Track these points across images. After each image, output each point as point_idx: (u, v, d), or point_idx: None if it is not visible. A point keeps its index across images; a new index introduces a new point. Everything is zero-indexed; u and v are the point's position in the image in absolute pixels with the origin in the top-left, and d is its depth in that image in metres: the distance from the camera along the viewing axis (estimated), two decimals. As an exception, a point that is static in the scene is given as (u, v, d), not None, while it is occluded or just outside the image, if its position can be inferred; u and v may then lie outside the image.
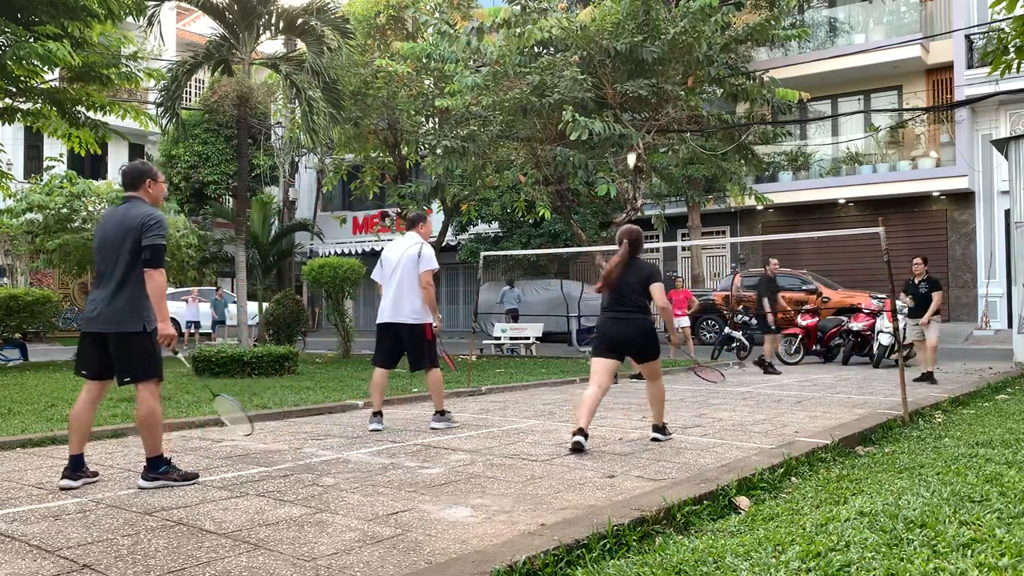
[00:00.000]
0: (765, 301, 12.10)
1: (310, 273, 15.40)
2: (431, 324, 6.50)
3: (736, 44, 14.13)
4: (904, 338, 11.13)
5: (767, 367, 12.08)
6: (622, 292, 5.66)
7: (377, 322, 6.60)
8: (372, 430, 6.38)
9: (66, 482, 4.29)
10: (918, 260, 10.68)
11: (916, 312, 10.54)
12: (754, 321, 15.94)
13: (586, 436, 5.39)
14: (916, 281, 10.58)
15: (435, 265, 6.54)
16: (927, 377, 10.12)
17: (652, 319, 5.81)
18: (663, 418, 5.91)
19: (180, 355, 5.02)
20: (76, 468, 4.35)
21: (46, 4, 11.55)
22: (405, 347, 6.51)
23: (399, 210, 18.23)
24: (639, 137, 12.97)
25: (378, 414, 6.51)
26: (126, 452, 5.46)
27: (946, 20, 20.33)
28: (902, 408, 6.80)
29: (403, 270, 6.46)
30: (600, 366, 5.74)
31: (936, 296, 10.36)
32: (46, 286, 23.33)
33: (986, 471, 4.26)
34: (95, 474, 4.51)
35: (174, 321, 22.02)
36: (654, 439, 5.80)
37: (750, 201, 16.86)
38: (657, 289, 5.63)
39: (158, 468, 4.35)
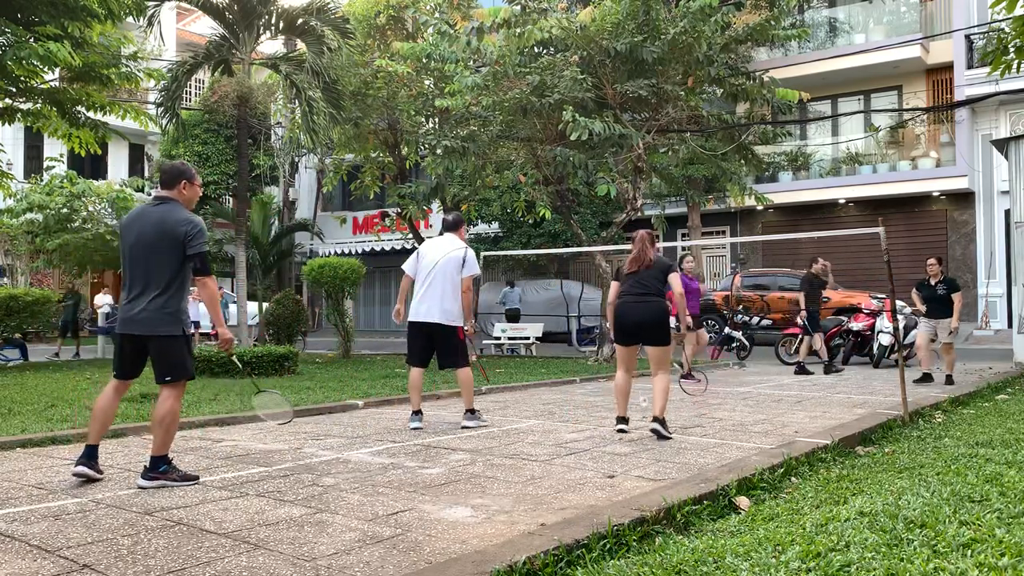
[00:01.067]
0: (804, 298, 11.87)
1: (310, 273, 15.40)
2: (463, 327, 6.58)
3: (736, 44, 14.12)
4: (904, 338, 11.10)
5: (801, 369, 11.81)
6: (642, 277, 6.05)
7: (409, 320, 6.59)
8: (413, 429, 6.40)
9: (81, 468, 4.39)
10: (933, 260, 10.42)
11: (933, 313, 10.27)
12: (756, 320, 15.95)
13: (627, 421, 6.07)
14: (933, 282, 10.31)
15: (478, 271, 6.66)
16: (948, 380, 9.91)
17: (667, 305, 6.10)
18: (665, 412, 5.99)
19: (234, 357, 5.18)
20: (91, 457, 4.44)
21: (46, 4, 11.55)
22: (436, 346, 6.55)
23: (399, 210, 18.22)
24: (639, 137, 12.96)
25: (418, 413, 6.53)
26: (126, 452, 5.46)
27: (946, 20, 20.33)
28: (902, 408, 6.80)
29: (442, 271, 6.47)
30: (623, 353, 6.14)
31: (957, 297, 10.14)
32: (46, 286, 23.33)
33: (986, 471, 4.26)
34: (101, 472, 4.55)
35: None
36: (653, 431, 5.86)
37: (750, 201, 16.86)
38: (675, 278, 6.10)
39: (158, 467, 4.37)
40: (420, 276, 6.58)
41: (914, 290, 10.69)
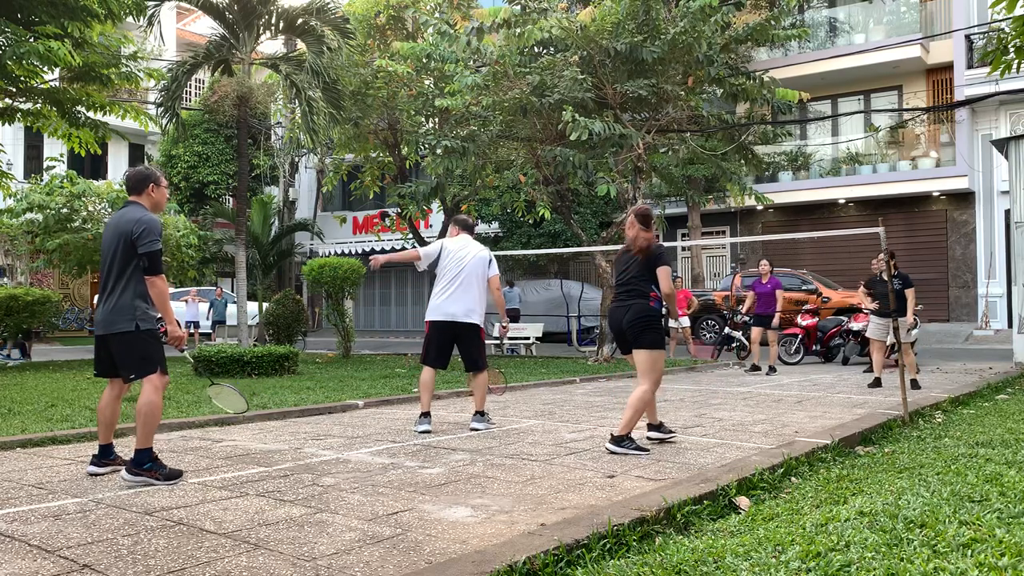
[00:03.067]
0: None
1: (310, 273, 15.40)
2: (501, 324, 6.71)
3: (736, 44, 14.13)
4: (903, 338, 10.99)
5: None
6: (627, 273, 5.50)
7: (432, 319, 6.42)
8: (421, 432, 6.20)
9: (92, 468, 4.65)
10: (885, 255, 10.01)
11: (888, 311, 9.65)
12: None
13: (659, 428, 5.74)
14: (886, 277, 9.48)
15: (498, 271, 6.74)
16: (914, 384, 9.34)
17: (655, 306, 5.45)
18: (631, 428, 5.22)
19: (186, 353, 5.22)
20: (103, 456, 4.69)
21: (46, 4, 11.55)
22: (461, 347, 6.48)
23: (399, 210, 18.22)
24: (639, 137, 12.96)
25: (426, 415, 6.33)
26: (127, 452, 5.45)
27: (946, 20, 20.34)
28: (902, 408, 6.80)
29: (472, 271, 6.41)
30: (630, 359, 5.60)
31: (910, 293, 9.59)
32: (46, 286, 23.32)
33: (986, 471, 4.25)
34: (125, 462, 4.72)
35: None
36: (608, 449, 5.22)
37: (750, 201, 16.86)
38: (663, 273, 5.38)
39: (143, 464, 4.40)
40: (448, 273, 6.42)
41: (862, 287, 10.21)
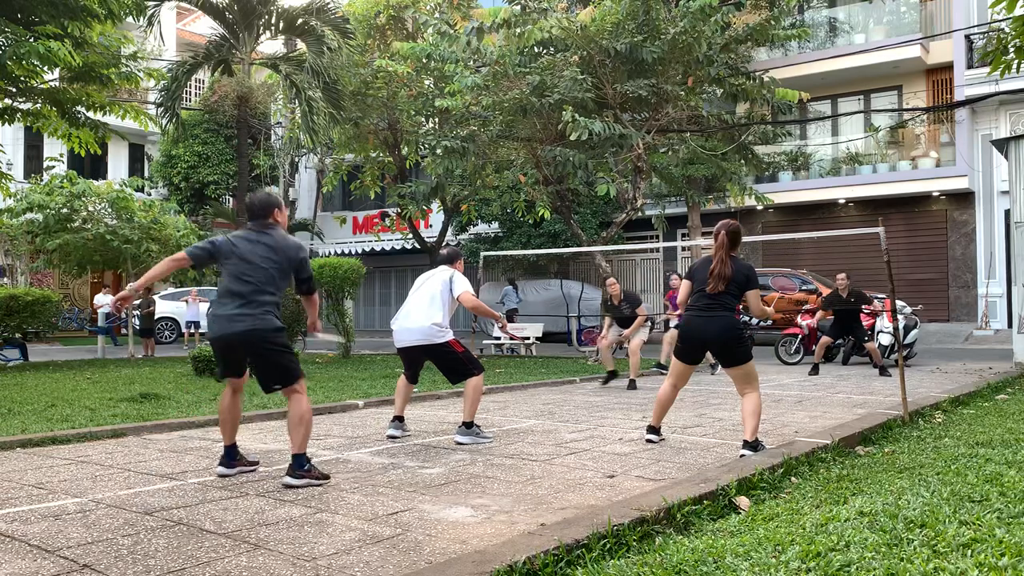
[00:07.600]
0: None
1: (310, 273, 15.38)
2: (454, 338, 5.89)
3: (736, 44, 14.12)
4: (904, 338, 11.04)
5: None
6: (712, 293, 5.28)
7: (396, 346, 6.06)
8: (388, 436, 6.01)
9: (221, 469, 4.66)
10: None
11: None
12: (756, 320, 15.97)
13: (657, 432, 5.72)
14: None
15: (470, 287, 5.98)
16: (631, 385, 9.89)
17: (740, 319, 5.41)
18: (755, 433, 5.19)
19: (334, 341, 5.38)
20: (231, 457, 4.70)
21: (46, 4, 11.55)
22: (436, 366, 5.98)
23: (399, 210, 18.23)
24: (639, 137, 12.96)
25: (399, 419, 6.10)
26: (125, 452, 5.46)
27: (946, 20, 20.33)
28: (902, 408, 6.80)
29: (425, 289, 5.94)
30: (678, 367, 5.55)
31: (641, 311, 10.24)
32: (46, 286, 23.32)
33: (986, 471, 4.25)
34: (256, 463, 4.83)
35: (172, 320, 22.19)
36: (741, 455, 5.02)
37: (750, 201, 16.86)
38: (753, 295, 5.36)
39: (303, 466, 4.43)
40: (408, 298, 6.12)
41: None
